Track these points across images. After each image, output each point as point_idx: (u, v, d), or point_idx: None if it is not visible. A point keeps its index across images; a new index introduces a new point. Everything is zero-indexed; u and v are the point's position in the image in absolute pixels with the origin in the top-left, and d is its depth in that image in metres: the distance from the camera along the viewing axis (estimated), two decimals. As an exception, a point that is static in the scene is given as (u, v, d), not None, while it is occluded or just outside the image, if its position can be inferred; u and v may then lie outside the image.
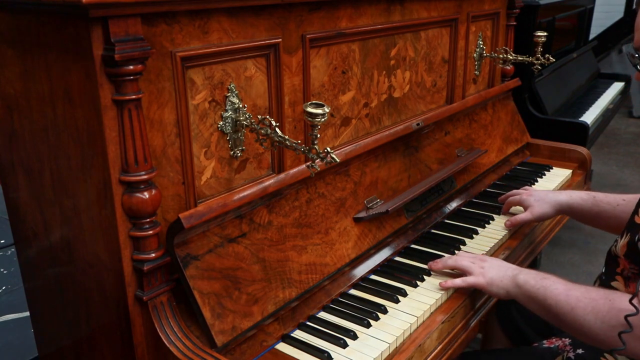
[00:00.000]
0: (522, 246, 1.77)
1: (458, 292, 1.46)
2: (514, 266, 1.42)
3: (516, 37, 2.43)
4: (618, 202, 1.61)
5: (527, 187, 1.97)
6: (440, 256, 1.58)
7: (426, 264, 1.55)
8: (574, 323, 1.19)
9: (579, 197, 1.69)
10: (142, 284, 1.14)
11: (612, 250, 1.34)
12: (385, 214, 1.55)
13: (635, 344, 1.10)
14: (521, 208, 1.80)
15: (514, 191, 1.88)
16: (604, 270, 1.37)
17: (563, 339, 1.47)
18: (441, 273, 1.51)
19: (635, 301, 1.09)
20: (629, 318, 1.08)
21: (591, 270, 3.10)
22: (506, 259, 1.60)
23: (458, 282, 1.43)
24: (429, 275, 1.51)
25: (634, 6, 1.50)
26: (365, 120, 1.67)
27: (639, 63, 1.24)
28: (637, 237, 1.21)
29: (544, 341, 1.51)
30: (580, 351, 1.39)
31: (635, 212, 1.27)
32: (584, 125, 2.96)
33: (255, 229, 1.29)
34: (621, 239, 1.30)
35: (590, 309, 1.16)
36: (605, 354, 1.33)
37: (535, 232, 1.86)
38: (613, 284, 1.31)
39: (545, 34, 2.08)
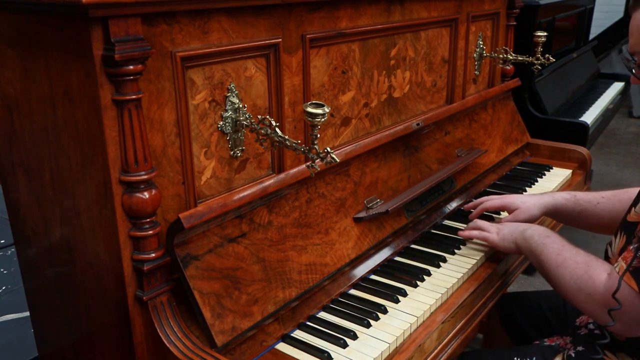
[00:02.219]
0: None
1: (458, 292, 1.46)
2: (525, 224, 1.55)
3: (516, 37, 2.43)
4: (598, 200, 1.61)
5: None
6: (441, 256, 1.59)
7: (426, 264, 1.55)
8: (555, 279, 1.32)
9: (561, 197, 1.69)
10: (142, 284, 1.14)
11: (608, 252, 1.34)
12: (385, 214, 1.55)
13: (605, 317, 1.19)
14: (505, 213, 1.78)
15: (485, 198, 1.81)
16: None
17: (564, 337, 1.47)
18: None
19: (613, 279, 1.17)
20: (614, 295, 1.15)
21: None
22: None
23: (475, 233, 1.62)
24: (429, 275, 1.51)
25: (629, 10, 1.48)
26: (365, 120, 1.67)
27: (634, 67, 1.25)
28: (632, 236, 1.22)
29: (545, 339, 1.51)
30: (580, 349, 1.39)
31: (627, 212, 1.28)
32: (584, 125, 2.96)
33: (255, 229, 1.29)
34: (616, 239, 1.31)
35: (570, 269, 1.28)
36: (607, 352, 1.33)
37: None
38: None
39: (545, 34, 2.08)
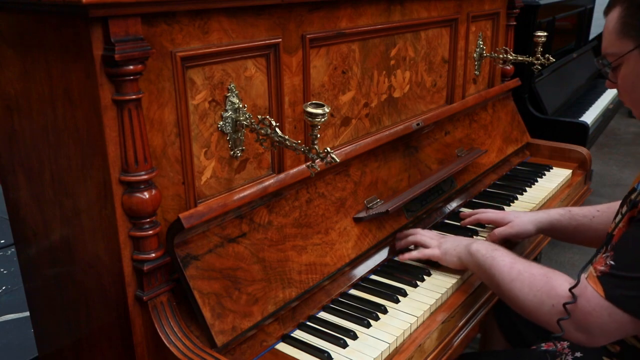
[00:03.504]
0: (521, 246, 1.77)
1: (458, 292, 1.46)
2: (469, 238, 1.52)
3: (516, 37, 2.43)
4: (593, 214, 1.57)
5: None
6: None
7: (426, 264, 1.55)
8: (510, 293, 1.26)
9: (556, 212, 1.65)
10: (142, 284, 1.14)
11: None
12: (385, 214, 1.55)
13: (567, 326, 1.15)
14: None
15: (481, 210, 1.78)
16: None
17: (561, 342, 1.47)
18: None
19: (575, 290, 1.13)
20: (567, 305, 1.13)
21: (591, 271, 3.09)
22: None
23: (414, 253, 1.55)
24: (429, 275, 1.51)
25: (603, 13, 1.46)
26: (365, 120, 1.67)
27: (608, 70, 1.23)
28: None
29: (542, 344, 1.51)
30: (578, 354, 1.39)
31: (611, 225, 1.27)
32: (584, 125, 2.96)
33: (255, 229, 1.29)
34: (600, 252, 1.29)
35: (527, 282, 1.23)
36: (604, 357, 1.33)
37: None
38: None
39: (545, 34, 2.08)
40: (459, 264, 1.46)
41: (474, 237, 1.73)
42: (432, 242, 1.53)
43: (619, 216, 1.22)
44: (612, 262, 1.11)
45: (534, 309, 1.21)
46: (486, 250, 1.37)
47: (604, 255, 1.15)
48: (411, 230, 1.62)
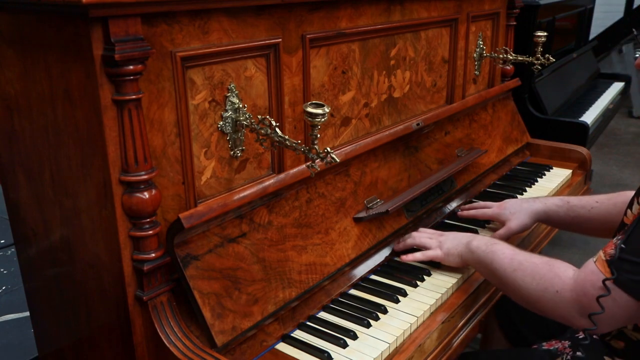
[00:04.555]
0: (521, 246, 1.77)
1: (458, 292, 1.46)
2: (469, 234, 1.50)
3: (516, 37, 2.43)
4: (592, 204, 1.57)
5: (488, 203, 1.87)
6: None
7: (426, 264, 1.55)
8: (513, 284, 1.26)
9: (553, 203, 1.64)
10: (142, 284, 1.14)
11: None
12: (385, 214, 1.55)
13: (572, 312, 1.15)
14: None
15: (481, 203, 1.81)
16: None
17: (562, 341, 1.47)
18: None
19: (580, 274, 1.14)
20: (570, 293, 1.13)
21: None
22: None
23: (418, 255, 1.54)
24: (429, 275, 1.51)
25: None
26: (365, 120, 1.67)
27: None
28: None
29: (543, 343, 1.50)
30: (579, 354, 1.39)
31: (624, 214, 1.27)
32: (584, 125, 2.96)
33: (255, 229, 1.29)
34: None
35: (529, 271, 1.23)
36: (605, 357, 1.33)
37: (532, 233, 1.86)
38: None
39: (545, 34, 2.08)
40: (461, 263, 1.47)
41: (490, 222, 1.76)
42: (432, 242, 1.53)
43: (636, 205, 1.20)
44: (622, 246, 1.10)
45: (538, 297, 1.21)
46: (486, 245, 1.38)
47: (614, 239, 1.15)
48: (406, 236, 1.61)
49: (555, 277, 1.18)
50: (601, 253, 1.15)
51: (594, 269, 1.12)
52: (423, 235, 1.57)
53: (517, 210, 1.67)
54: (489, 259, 1.34)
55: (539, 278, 1.21)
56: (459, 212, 1.79)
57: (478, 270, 1.44)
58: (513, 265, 1.27)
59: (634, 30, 1.25)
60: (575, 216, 1.60)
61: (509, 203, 1.72)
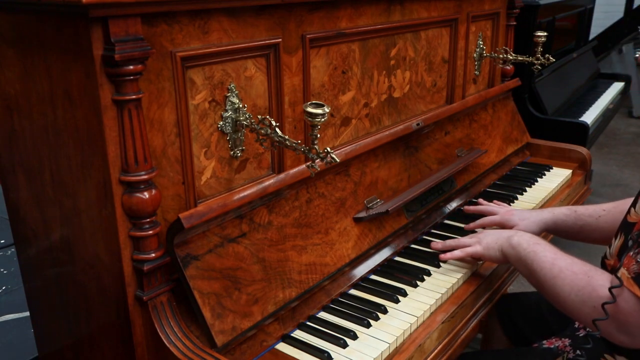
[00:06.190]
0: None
1: (458, 292, 1.46)
2: (510, 230, 1.51)
3: (516, 37, 2.43)
4: (599, 213, 1.57)
5: (498, 202, 1.88)
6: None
7: (426, 264, 1.55)
8: (552, 291, 1.26)
9: (561, 213, 1.64)
10: (142, 284, 1.14)
11: (605, 257, 1.33)
12: (385, 214, 1.55)
13: (609, 328, 1.14)
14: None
15: (489, 208, 1.80)
16: None
17: (563, 339, 1.47)
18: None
19: (615, 290, 1.12)
20: (606, 306, 1.12)
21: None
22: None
23: (457, 253, 1.53)
24: (429, 275, 1.51)
25: None
26: (365, 120, 1.67)
27: None
28: (629, 237, 1.21)
29: (544, 341, 1.51)
30: (580, 352, 1.39)
31: (627, 212, 1.27)
32: (584, 125, 2.96)
33: (255, 229, 1.29)
34: (615, 239, 1.30)
35: (569, 281, 1.22)
36: (606, 355, 1.33)
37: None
38: None
39: (545, 34, 2.08)
40: (501, 257, 1.45)
41: None
42: (471, 240, 1.53)
43: None
44: None
45: (576, 310, 1.21)
46: (527, 244, 1.36)
47: (631, 253, 1.14)
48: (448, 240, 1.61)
49: (593, 291, 1.17)
50: (624, 271, 1.13)
51: (628, 297, 1.11)
52: (464, 238, 1.57)
53: (525, 217, 1.66)
54: (529, 259, 1.33)
55: (577, 290, 1.20)
56: (466, 227, 1.76)
57: (516, 267, 1.42)
58: (553, 272, 1.25)
59: (639, 28, 1.25)
60: (583, 224, 1.59)
61: (516, 210, 1.73)
